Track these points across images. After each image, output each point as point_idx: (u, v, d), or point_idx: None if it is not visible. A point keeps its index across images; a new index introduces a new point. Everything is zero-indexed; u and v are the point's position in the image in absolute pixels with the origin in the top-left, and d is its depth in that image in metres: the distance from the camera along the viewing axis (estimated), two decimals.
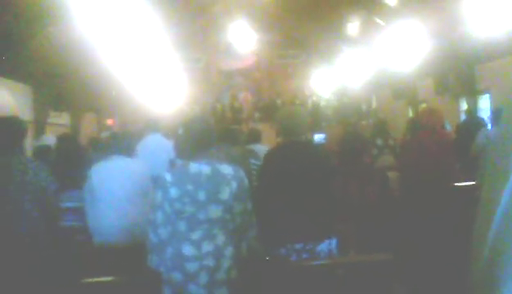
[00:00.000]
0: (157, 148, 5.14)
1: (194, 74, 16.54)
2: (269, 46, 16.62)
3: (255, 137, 5.47)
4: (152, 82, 12.23)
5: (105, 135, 8.47)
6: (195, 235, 2.54)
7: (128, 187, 3.90)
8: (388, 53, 10.04)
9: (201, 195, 2.55)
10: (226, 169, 2.64)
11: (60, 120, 11.15)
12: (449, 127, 7.22)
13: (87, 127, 12.44)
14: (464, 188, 5.24)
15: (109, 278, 2.76)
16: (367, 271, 3.06)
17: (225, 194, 2.57)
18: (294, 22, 14.54)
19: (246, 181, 2.70)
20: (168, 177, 2.59)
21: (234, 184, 2.60)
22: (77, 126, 11.91)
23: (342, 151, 6.73)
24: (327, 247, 3.19)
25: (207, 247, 2.53)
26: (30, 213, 3.12)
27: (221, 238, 2.56)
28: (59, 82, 10.19)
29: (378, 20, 10.48)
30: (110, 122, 14.35)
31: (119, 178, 3.92)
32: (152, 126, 5.48)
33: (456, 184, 5.22)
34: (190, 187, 2.55)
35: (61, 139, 4.95)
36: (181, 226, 2.56)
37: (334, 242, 3.24)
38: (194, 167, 2.62)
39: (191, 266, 2.50)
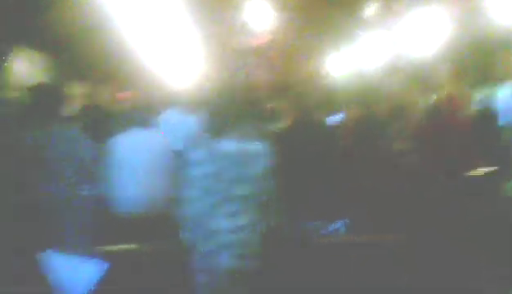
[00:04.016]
0: (177, 122, 5.16)
1: (209, 50, 16.47)
2: (286, 26, 16.46)
3: (276, 116, 5.48)
4: (168, 56, 12.24)
5: (123, 107, 8.48)
6: (228, 209, 2.60)
7: (146, 159, 3.97)
8: (407, 37, 9.94)
9: (232, 172, 2.59)
10: (256, 146, 2.67)
11: (76, 90, 11.19)
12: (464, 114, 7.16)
13: (105, 99, 12.47)
14: (481, 175, 5.22)
15: (135, 246, 2.83)
16: (383, 251, 3.11)
17: (254, 171, 2.60)
18: (311, 1, 14.38)
19: (272, 158, 2.73)
20: (199, 155, 2.62)
21: (263, 161, 2.64)
22: (95, 97, 11.95)
23: (358, 134, 6.73)
24: (338, 228, 3.24)
25: (240, 220, 2.60)
26: (68, 180, 3.21)
27: (253, 213, 2.62)
28: (77, 53, 10.21)
29: (398, 3, 10.34)
30: (126, 94, 14.37)
31: (138, 150, 3.98)
32: (173, 100, 5.51)
33: (474, 171, 5.20)
34: (221, 165, 2.59)
35: (87, 110, 5.02)
36: (214, 201, 2.61)
37: (344, 223, 3.29)
38: (225, 144, 2.64)
39: (224, 238, 2.58)
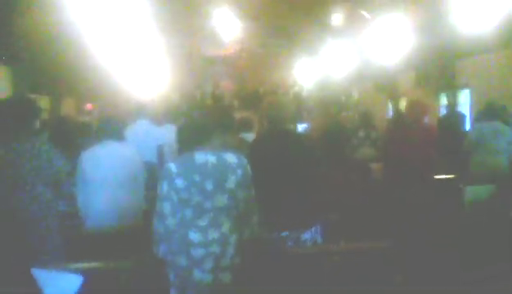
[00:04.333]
0: (146, 134, 5.15)
1: (176, 60, 16.40)
2: (253, 35, 16.56)
3: (247, 126, 5.51)
4: (133, 66, 12.12)
5: (88, 119, 8.39)
6: (202, 222, 2.59)
7: (118, 172, 3.92)
8: (372, 45, 10.14)
9: (208, 185, 2.59)
10: (231, 157, 2.68)
11: (39, 104, 10.96)
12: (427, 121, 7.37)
13: (67, 112, 12.26)
14: (444, 180, 5.38)
15: (110, 264, 2.79)
16: (365, 258, 3.15)
17: (231, 183, 2.62)
18: (279, 11, 14.52)
19: (249, 169, 2.75)
20: (174, 168, 2.60)
21: (239, 172, 2.65)
22: (57, 110, 11.73)
23: (325, 142, 6.80)
24: (312, 236, 3.27)
25: (213, 234, 2.59)
26: (42, 196, 3.16)
27: (226, 226, 2.62)
28: (39, 65, 10.01)
29: (363, 13, 10.57)
30: (89, 106, 14.14)
31: (109, 163, 3.93)
32: (140, 112, 5.48)
33: (438, 176, 5.35)
34: (197, 177, 2.58)
35: (56, 123, 4.95)
36: (188, 214, 2.60)
37: (318, 230, 3.33)
38: (200, 156, 2.64)
39: (197, 252, 2.56)
